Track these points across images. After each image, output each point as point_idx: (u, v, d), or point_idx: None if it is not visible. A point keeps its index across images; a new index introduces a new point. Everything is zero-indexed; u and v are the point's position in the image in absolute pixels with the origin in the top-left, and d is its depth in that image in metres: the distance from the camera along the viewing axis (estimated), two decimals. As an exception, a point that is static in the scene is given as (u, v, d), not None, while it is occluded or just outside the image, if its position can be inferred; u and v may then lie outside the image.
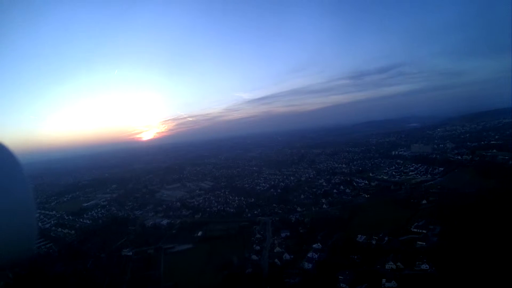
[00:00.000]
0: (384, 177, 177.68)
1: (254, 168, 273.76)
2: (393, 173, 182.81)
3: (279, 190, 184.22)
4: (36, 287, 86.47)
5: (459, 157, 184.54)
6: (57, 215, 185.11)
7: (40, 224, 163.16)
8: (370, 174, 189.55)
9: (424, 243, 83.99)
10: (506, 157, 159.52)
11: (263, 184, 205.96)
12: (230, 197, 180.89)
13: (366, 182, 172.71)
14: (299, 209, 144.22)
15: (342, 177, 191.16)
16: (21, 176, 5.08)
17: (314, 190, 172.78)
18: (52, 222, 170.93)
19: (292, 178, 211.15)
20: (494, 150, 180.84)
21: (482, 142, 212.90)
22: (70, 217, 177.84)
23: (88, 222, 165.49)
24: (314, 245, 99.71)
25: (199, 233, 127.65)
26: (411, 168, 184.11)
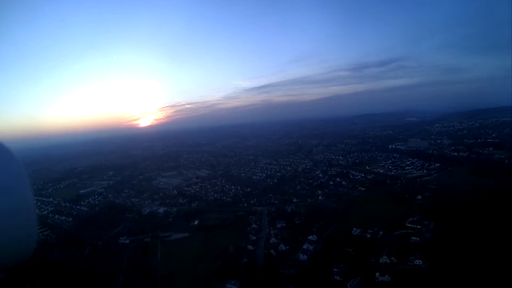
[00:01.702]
0: (380, 171, 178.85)
1: (251, 157, 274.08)
2: (390, 167, 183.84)
3: (275, 180, 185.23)
4: (34, 274, 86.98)
5: (456, 154, 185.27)
6: (54, 202, 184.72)
7: (37, 211, 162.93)
8: (367, 167, 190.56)
9: (418, 239, 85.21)
10: (503, 156, 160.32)
11: (260, 173, 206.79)
12: (227, 186, 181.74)
13: (363, 175, 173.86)
14: (295, 200, 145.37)
15: (338, 169, 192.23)
16: (22, 176, 4.99)
17: (311, 181, 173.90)
18: (49, 209, 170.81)
19: (288, 168, 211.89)
20: (491, 148, 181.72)
21: (479, 140, 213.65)
22: (67, 204, 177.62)
23: (85, 209, 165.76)
24: (309, 237, 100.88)
25: (196, 222, 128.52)
26: (408, 163, 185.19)
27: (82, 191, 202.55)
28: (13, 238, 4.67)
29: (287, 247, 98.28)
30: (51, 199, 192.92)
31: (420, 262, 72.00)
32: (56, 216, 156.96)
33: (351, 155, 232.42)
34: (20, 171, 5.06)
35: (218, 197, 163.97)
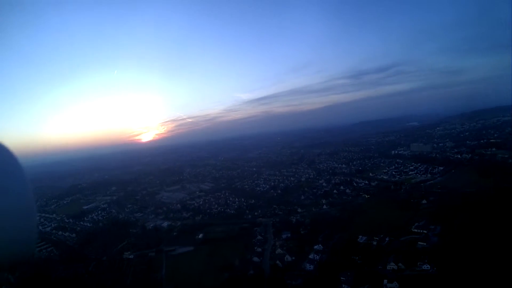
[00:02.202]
0: (384, 177, 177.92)
1: (254, 169, 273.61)
2: (393, 172, 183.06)
3: (279, 191, 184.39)
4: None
5: (459, 156, 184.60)
6: (58, 218, 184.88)
7: (40, 227, 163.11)
8: (370, 174, 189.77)
9: (425, 244, 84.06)
10: (506, 156, 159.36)
11: (263, 185, 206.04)
12: (230, 199, 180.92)
13: (366, 182, 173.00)
14: (299, 210, 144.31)
15: (342, 177, 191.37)
16: (22, 177, 5.06)
17: (314, 190, 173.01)
18: (53, 225, 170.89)
19: (292, 178, 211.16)
20: (494, 149, 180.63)
21: (482, 141, 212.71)
22: (71, 220, 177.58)
23: (89, 225, 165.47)
24: (315, 246, 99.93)
25: (200, 235, 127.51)
26: (411, 168, 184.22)
27: (85, 207, 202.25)
28: (13, 238, 4.73)
29: (293, 258, 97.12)
30: (54, 215, 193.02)
31: (428, 267, 70.92)
32: (60, 232, 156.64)
33: (354, 162, 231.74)
34: (20, 171, 5.14)
35: (222, 209, 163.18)
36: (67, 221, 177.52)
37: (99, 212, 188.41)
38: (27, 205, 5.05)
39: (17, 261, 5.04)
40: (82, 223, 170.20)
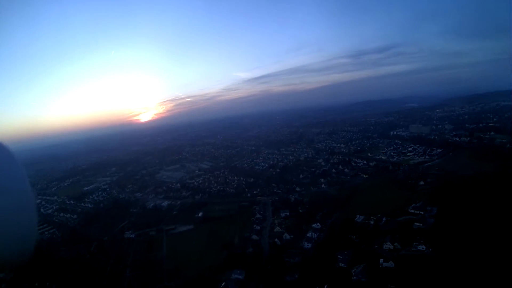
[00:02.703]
0: (383, 158, 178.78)
1: (253, 147, 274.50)
2: (392, 153, 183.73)
3: (278, 170, 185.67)
4: (42, 272, 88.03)
5: (457, 139, 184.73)
6: (59, 200, 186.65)
7: (42, 209, 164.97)
8: (369, 154, 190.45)
9: (421, 224, 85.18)
10: (504, 140, 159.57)
11: (262, 164, 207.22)
12: (230, 177, 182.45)
13: (365, 162, 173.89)
14: (298, 189, 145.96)
15: (340, 157, 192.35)
16: (21, 176, 4.99)
17: (313, 170, 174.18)
18: (54, 207, 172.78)
19: (291, 157, 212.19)
20: (492, 133, 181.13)
21: (481, 124, 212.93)
22: (72, 201, 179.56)
23: (90, 206, 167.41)
24: (313, 225, 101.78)
25: (200, 214, 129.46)
26: (409, 149, 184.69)
27: (86, 189, 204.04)
28: (13, 238, 4.66)
29: (291, 236, 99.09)
30: (55, 197, 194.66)
31: (423, 248, 72.18)
32: (61, 214, 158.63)
33: (353, 142, 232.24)
34: (20, 171, 5.05)
35: (222, 188, 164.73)
36: (68, 202, 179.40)
37: (100, 193, 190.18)
38: (27, 205, 4.99)
39: (17, 261, 5.02)
40: (83, 204, 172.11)
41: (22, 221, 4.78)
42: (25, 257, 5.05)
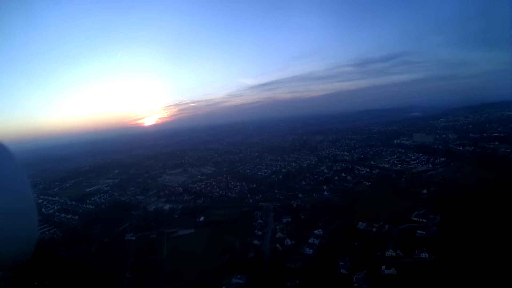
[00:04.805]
0: (386, 166, 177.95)
1: (256, 154, 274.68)
2: (395, 161, 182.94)
3: (280, 176, 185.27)
4: (41, 271, 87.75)
5: (461, 148, 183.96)
6: (61, 201, 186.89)
7: (43, 209, 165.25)
8: (372, 162, 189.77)
9: (424, 232, 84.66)
10: (508, 150, 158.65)
11: (265, 170, 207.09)
12: (232, 183, 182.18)
13: (368, 170, 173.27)
14: (300, 195, 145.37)
15: (343, 165, 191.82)
16: (21, 176, 4.97)
17: (316, 176, 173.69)
18: (56, 207, 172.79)
19: (293, 164, 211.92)
20: (496, 143, 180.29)
21: (485, 134, 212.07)
22: (73, 202, 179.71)
23: (91, 207, 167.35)
24: (315, 231, 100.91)
25: (201, 218, 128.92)
26: (413, 158, 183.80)
27: (88, 190, 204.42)
28: (13, 238, 4.64)
29: (293, 242, 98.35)
30: (57, 198, 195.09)
31: (426, 255, 71.59)
32: (63, 215, 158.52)
33: (356, 150, 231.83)
34: (19, 171, 5.05)
35: (224, 193, 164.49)
36: (70, 203, 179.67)
37: (102, 194, 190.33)
38: (27, 205, 4.98)
39: (17, 261, 5.01)
40: (84, 205, 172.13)
41: (22, 221, 4.76)
42: (26, 257, 5.04)
